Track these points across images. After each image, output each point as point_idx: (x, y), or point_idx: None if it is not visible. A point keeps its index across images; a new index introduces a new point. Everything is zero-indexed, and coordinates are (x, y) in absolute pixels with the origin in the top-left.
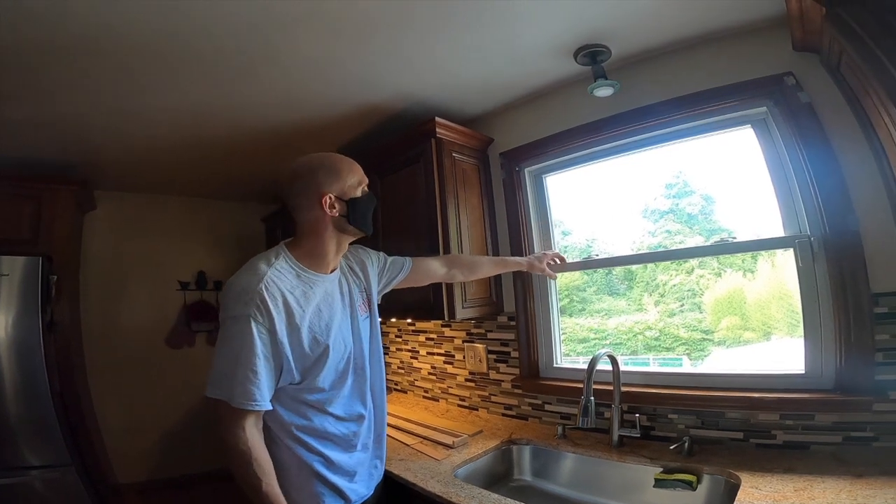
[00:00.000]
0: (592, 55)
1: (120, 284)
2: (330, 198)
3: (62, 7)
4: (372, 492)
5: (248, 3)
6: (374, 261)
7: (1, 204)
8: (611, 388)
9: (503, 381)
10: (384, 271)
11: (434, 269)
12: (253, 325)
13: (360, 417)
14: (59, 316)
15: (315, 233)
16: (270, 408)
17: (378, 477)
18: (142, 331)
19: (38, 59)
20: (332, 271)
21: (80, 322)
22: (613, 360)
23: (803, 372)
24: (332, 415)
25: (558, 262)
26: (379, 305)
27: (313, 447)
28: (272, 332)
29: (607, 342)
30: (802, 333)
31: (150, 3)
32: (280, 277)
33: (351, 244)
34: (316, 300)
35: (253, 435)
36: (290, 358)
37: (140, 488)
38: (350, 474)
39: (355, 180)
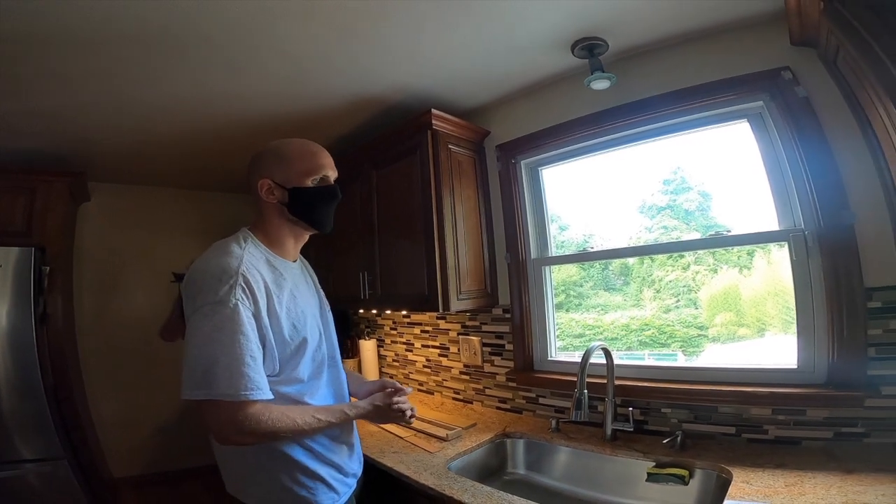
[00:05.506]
0: (589, 48)
1: (114, 276)
2: (268, 183)
3: None
4: (356, 484)
5: None
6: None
7: None
8: (605, 381)
9: (498, 374)
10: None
11: None
12: (241, 308)
13: None
14: (51, 308)
15: (266, 219)
16: (273, 397)
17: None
18: (136, 323)
19: (24, 50)
20: (294, 261)
21: (73, 314)
22: (607, 354)
23: (796, 366)
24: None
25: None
26: (374, 295)
27: (300, 441)
28: (258, 316)
29: (602, 337)
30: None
31: None
32: (254, 260)
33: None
34: (288, 286)
35: (258, 413)
36: (274, 346)
37: (134, 482)
38: (338, 466)
39: (304, 168)
